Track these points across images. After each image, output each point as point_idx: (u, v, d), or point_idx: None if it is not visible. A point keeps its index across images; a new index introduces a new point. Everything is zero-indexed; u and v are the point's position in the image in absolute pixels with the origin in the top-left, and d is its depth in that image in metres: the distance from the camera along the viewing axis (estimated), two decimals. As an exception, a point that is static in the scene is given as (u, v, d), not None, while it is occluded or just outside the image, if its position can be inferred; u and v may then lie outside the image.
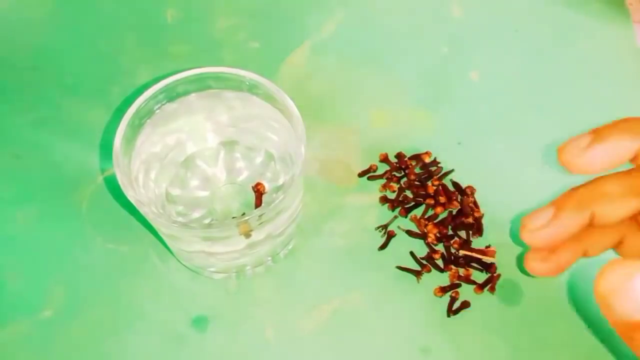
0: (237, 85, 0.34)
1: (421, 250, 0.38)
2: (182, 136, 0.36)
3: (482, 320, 0.36)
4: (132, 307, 0.36)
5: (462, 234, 0.38)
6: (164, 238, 0.35)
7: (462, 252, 0.37)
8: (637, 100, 0.43)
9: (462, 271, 0.37)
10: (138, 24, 0.46)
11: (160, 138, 0.35)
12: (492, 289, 0.37)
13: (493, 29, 0.46)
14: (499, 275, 0.37)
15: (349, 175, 0.40)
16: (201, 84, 0.34)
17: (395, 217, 0.39)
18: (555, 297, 0.37)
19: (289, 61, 0.44)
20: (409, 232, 0.38)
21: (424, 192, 0.39)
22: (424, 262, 0.37)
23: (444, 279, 0.37)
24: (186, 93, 0.34)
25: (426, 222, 0.38)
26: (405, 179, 0.40)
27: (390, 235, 0.38)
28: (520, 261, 0.38)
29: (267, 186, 0.35)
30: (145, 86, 0.35)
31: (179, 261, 0.37)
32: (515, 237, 0.38)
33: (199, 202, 0.37)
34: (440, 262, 0.37)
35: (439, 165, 0.40)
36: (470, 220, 0.38)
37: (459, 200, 0.39)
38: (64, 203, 0.39)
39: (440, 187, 0.39)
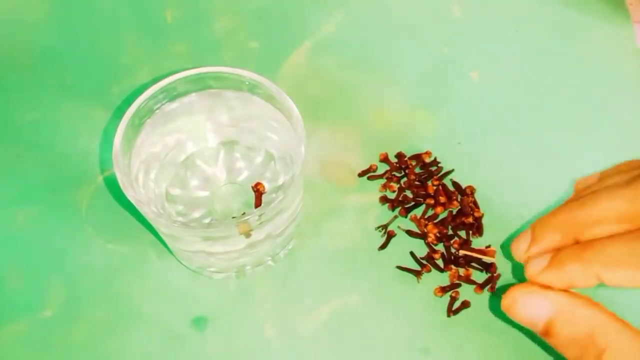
0: (237, 85, 0.34)
1: (421, 250, 0.38)
2: (182, 136, 0.36)
3: (482, 320, 0.36)
4: (132, 307, 0.36)
5: (462, 234, 0.38)
6: (164, 238, 0.35)
7: (462, 252, 0.37)
8: (637, 100, 0.43)
9: (462, 271, 0.37)
10: (138, 24, 0.46)
11: (160, 138, 0.35)
12: (492, 289, 0.37)
13: (493, 29, 0.46)
14: (499, 275, 0.37)
15: (349, 175, 0.40)
16: (201, 84, 0.34)
17: (395, 217, 0.39)
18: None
19: (289, 61, 0.44)
20: (409, 232, 0.38)
21: (424, 192, 0.39)
22: (424, 262, 0.37)
23: (444, 279, 0.37)
24: (186, 93, 0.34)
25: (426, 222, 0.38)
26: (405, 179, 0.40)
27: (390, 235, 0.38)
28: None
29: (267, 186, 0.35)
30: (145, 86, 0.35)
31: (178, 261, 0.37)
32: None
33: (199, 202, 0.37)
34: (440, 262, 0.37)
35: (439, 165, 0.40)
36: (470, 220, 0.38)
37: (459, 200, 0.39)
38: (64, 203, 0.39)
39: (440, 187, 0.39)
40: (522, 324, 0.28)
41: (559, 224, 0.28)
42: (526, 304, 0.28)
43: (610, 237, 0.26)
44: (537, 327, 0.28)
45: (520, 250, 0.29)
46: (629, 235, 0.26)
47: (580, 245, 0.27)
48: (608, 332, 0.26)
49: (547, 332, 0.28)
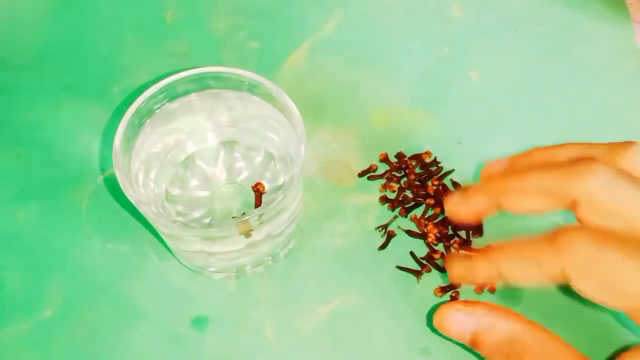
0: (237, 85, 0.34)
1: (421, 250, 0.38)
2: (182, 136, 0.36)
3: (482, 320, 0.36)
4: (132, 307, 0.36)
5: (462, 234, 0.38)
6: (164, 238, 0.35)
7: (462, 252, 0.37)
8: (637, 100, 0.43)
9: (462, 271, 0.37)
10: (138, 24, 0.46)
11: (160, 138, 0.35)
12: (492, 289, 0.37)
13: (493, 29, 0.46)
14: (499, 275, 0.37)
15: (349, 175, 0.40)
16: (201, 84, 0.34)
17: (395, 217, 0.39)
18: (555, 297, 0.37)
19: (289, 61, 0.44)
20: (409, 232, 0.38)
21: (424, 192, 0.39)
22: (424, 262, 0.37)
23: (444, 279, 0.37)
24: (186, 93, 0.34)
25: (426, 222, 0.38)
26: (405, 179, 0.40)
27: (390, 235, 0.38)
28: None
29: (267, 186, 0.35)
30: (145, 86, 0.35)
31: (179, 261, 0.37)
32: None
33: (199, 202, 0.37)
34: (440, 262, 0.37)
35: (439, 165, 0.40)
36: (470, 220, 0.38)
37: (459, 200, 0.39)
38: (64, 203, 0.39)
39: (440, 187, 0.39)
40: (452, 338, 0.32)
41: (489, 188, 0.31)
42: (453, 321, 0.31)
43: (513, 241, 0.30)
44: (465, 340, 0.31)
45: (451, 205, 0.32)
46: (528, 241, 0.29)
47: (490, 247, 0.30)
48: (525, 338, 0.30)
49: (474, 343, 0.31)
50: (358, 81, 0.43)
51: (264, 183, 0.35)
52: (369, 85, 0.43)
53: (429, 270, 0.37)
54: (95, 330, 0.35)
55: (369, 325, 0.36)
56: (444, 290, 0.36)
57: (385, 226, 0.38)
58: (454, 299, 0.36)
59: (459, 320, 0.31)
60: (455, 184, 0.39)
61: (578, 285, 0.27)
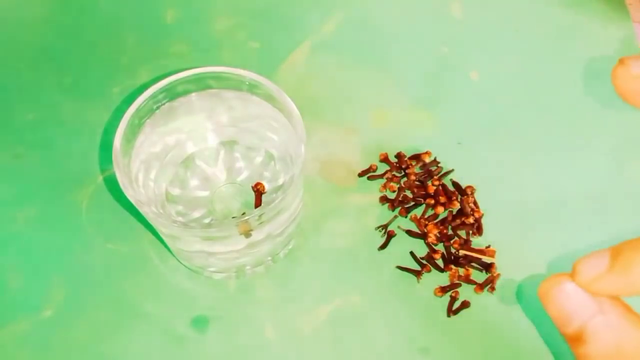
0: (237, 85, 0.34)
1: (421, 250, 0.38)
2: (182, 136, 0.36)
3: (482, 320, 0.36)
4: (132, 307, 0.36)
5: (462, 234, 0.38)
6: (164, 238, 0.35)
7: (462, 252, 0.37)
8: (637, 100, 0.43)
9: (462, 271, 0.37)
10: (138, 24, 0.46)
11: (160, 138, 0.35)
12: (492, 289, 0.37)
13: (493, 29, 0.46)
14: (498, 275, 0.37)
15: (349, 175, 0.40)
16: (201, 84, 0.34)
17: (395, 217, 0.39)
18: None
19: (289, 61, 0.44)
20: (409, 232, 0.38)
21: (424, 192, 0.39)
22: (424, 262, 0.37)
23: (444, 279, 0.37)
24: (186, 93, 0.34)
25: (426, 222, 0.38)
26: (405, 179, 0.40)
27: (390, 235, 0.38)
28: (518, 260, 0.38)
29: (267, 186, 0.35)
30: (145, 86, 0.35)
31: (179, 261, 0.37)
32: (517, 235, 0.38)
33: (199, 202, 0.37)
34: (440, 262, 0.37)
35: (439, 165, 0.40)
36: (470, 220, 0.38)
37: (459, 200, 0.39)
38: (64, 203, 0.39)
39: (440, 187, 0.39)
40: None
41: None
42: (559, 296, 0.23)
43: None
44: None
45: None
46: None
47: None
48: None
49: None
50: (358, 81, 0.43)
51: (264, 183, 0.35)
52: (369, 85, 0.43)
53: (429, 270, 0.37)
54: (95, 330, 0.35)
55: (369, 325, 0.36)
56: (444, 290, 0.36)
57: (385, 226, 0.38)
58: (453, 298, 0.36)
59: None
60: (455, 184, 0.39)
61: None
